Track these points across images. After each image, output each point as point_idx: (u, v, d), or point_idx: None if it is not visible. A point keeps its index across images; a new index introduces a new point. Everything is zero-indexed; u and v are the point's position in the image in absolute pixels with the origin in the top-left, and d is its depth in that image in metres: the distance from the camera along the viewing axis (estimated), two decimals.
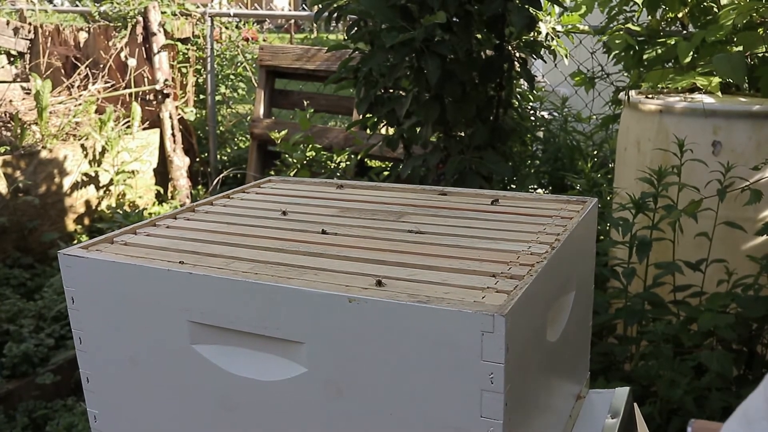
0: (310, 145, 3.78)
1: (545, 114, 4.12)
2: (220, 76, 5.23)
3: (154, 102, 4.47)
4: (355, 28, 2.36)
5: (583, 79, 2.94)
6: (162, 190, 4.40)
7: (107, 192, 4.03)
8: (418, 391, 0.71)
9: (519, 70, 2.50)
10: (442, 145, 2.39)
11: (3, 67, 4.58)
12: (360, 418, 0.74)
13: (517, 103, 3.01)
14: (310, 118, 3.96)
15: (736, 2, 2.25)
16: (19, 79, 4.61)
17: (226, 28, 5.35)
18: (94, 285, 0.86)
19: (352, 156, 3.80)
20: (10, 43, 4.67)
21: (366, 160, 4.06)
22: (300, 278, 0.77)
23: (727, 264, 1.96)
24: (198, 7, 4.80)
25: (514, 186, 3.13)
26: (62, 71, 4.68)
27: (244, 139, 5.30)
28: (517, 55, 2.48)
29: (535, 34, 2.59)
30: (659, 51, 2.51)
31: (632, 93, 2.48)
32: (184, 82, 4.77)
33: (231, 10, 5.10)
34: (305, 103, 4.20)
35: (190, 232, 0.97)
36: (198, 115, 4.85)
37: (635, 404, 1.13)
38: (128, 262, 0.84)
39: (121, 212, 3.83)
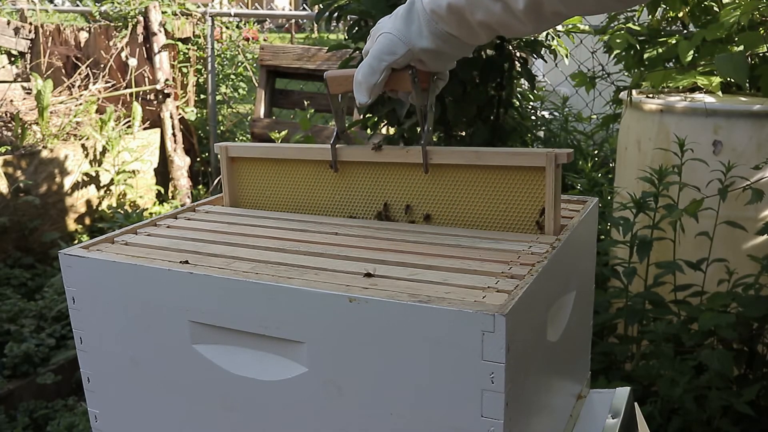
0: None
1: (546, 113, 4.12)
2: (220, 76, 5.23)
3: (155, 102, 4.47)
4: (356, 28, 2.36)
5: (583, 79, 2.94)
6: (163, 190, 4.40)
7: (108, 192, 4.03)
8: (419, 390, 0.71)
9: (519, 69, 2.50)
10: (443, 145, 2.39)
11: (4, 67, 4.58)
12: (360, 418, 0.74)
13: (517, 102, 3.00)
14: (310, 118, 3.96)
15: (738, 1, 2.25)
16: (19, 79, 4.61)
17: (227, 27, 5.35)
18: (95, 285, 0.86)
19: None
20: (10, 42, 4.67)
21: None
22: (300, 278, 0.77)
23: (727, 263, 1.96)
24: (198, 6, 4.80)
25: None
26: (63, 71, 4.68)
27: (244, 138, 5.30)
28: (518, 54, 2.48)
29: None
30: (660, 50, 2.50)
31: (633, 92, 2.48)
32: (185, 82, 4.77)
33: (232, 9, 5.10)
34: (306, 102, 4.20)
35: (191, 231, 0.97)
36: (199, 115, 4.86)
37: (636, 404, 1.13)
38: (129, 262, 0.84)
39: (121, 212, 3.83)
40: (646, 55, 2.51)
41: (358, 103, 0.95)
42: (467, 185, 0.95)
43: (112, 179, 4.01)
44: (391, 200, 1.00)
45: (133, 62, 4.43)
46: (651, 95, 2.39)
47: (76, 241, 3.71)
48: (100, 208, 3.99)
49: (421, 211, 0.99)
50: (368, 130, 2.54)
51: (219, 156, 1.10)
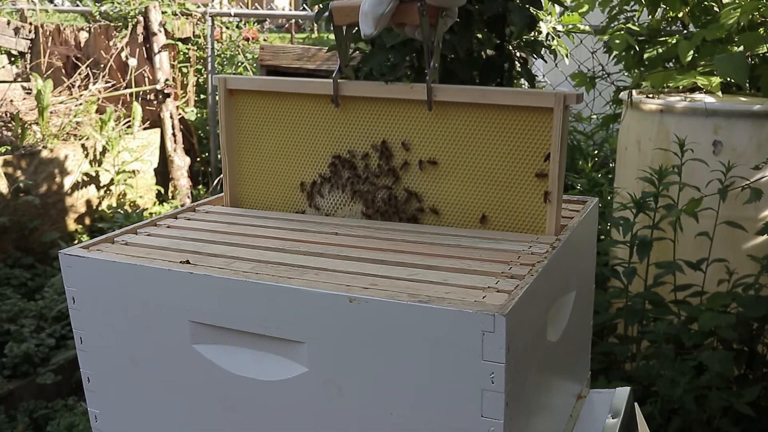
0: None
1: None
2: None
3: (155, 102, 4.47)
4: (356, 28, 2.36)
5: (583, 79, 2.94)
6: (163, 190, 4.40)
7: (108, 192, 4.03)
8: (419, 390, 0.71)
9: (519, 69, 2.49)
10: None
11: (4, 67, 4.58)
12: (360, 418, 0.74)
13: None
14: None
15: (737, 1, 2.25)
16: (20, 79, 4.61)
17: (227, 27, 5.35)
18: (95, 285, 0.86)
19: None
20: (11, 42, 4.67)
21: None
22: (300, 278, 0.77)
23: (727, 263, 1.96)
24: (198, 6, 4.80)
25: None
26: (63, 71, 4.68)
27: None
28: (518, 54, 2.48)
29: (536, 33, 2.59)
30: (660, 50, 2.51)
31: (633, 92, 2.48)
32: (185, 82, 4.77)
33: (231, 9, 5.10)
34: None
35: (191, 231, 0.97)
36: (199, 115, 4.86)
37: (636, 404, 1.13)
38: (129, 262, 0.84)
39: (121, 212, 3.83)
40: (646, 55, 2.52)
41: (363, 34, 0.92)
42: (471, 125, 0.92)
43: (112, 179, 4.01)
44: (392, 138, 0.97)
45: (133, 62, 4.43)
46: (651, 95, 2.39)
47: (76, 241, 3.71)
48: (100, 208, 4.00)
49: (422, 151, 0.96)
50: None
51: (217, 89, 1.05)
